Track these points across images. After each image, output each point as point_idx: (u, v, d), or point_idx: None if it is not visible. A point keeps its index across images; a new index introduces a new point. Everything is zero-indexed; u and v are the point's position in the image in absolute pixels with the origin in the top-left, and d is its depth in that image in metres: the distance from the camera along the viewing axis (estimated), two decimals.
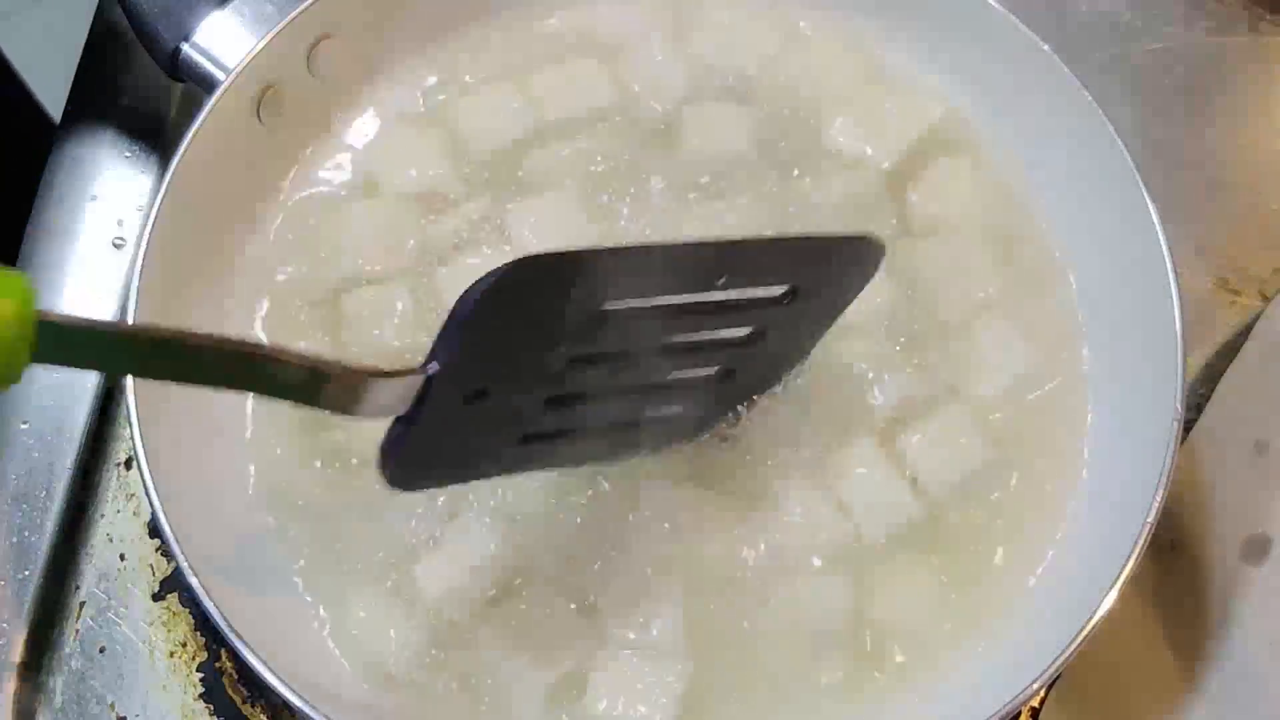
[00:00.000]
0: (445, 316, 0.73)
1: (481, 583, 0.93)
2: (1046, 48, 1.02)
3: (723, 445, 0.97)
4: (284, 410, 0.98)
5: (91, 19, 1.21)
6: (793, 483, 0.95)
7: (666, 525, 0.94)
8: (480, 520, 0.94)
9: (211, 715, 1.00)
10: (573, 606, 0.92)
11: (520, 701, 0.90)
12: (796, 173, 1.06)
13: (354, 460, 0.97)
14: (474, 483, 0.93)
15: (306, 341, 1.01)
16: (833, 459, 0.96)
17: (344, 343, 1.01)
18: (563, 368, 0.79)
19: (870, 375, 0.99)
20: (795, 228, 1.04)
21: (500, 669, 0.91)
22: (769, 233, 1.02)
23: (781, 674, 0.92)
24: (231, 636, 0.83)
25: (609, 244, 0.99)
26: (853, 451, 0.96)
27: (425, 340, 0.94)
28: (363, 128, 1.10)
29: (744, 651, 0.92)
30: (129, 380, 0.90)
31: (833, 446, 0.96)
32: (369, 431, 0.77)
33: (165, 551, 1.05)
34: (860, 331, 1.00)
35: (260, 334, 1.02)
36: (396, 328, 1.01)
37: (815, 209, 1.04)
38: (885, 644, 0.93)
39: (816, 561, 0.94)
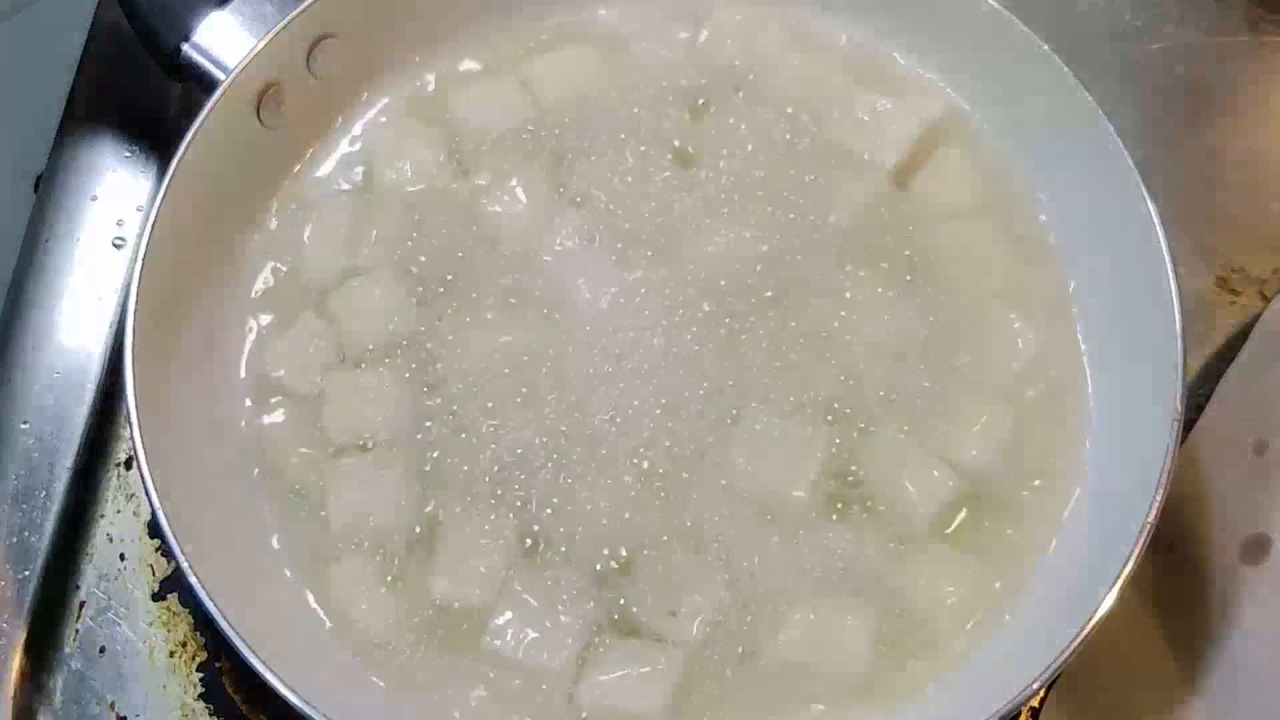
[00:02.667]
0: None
1: (492, 576, 0.93)
2: (1046, 47, 1.02)
3: None
4: (283, 409, 0.99)
5: (91, 19, 1.21)
6: None
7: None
8: (489, 509, 0.95)
9: (211, 715, 1.01)
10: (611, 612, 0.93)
11: (531, 689, 0.91)
12: (809, 176, 1.07)
13: (358, 454, 0.97)
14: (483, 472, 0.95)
15: (304, 335, 1.01)
16: None
17: (347, 331, 1.01)
18: None
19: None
20: (799, 224, 1.05)
21: (513, 661, 0.91)
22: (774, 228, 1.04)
23: (783, 670, 0.92)
24: (232, 635, 0.83)
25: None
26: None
27: (421, 327, 0.96)
28: (361, 126, 1.10)
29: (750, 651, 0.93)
30: (129, 380, 0.90)
31: None
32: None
33: (165, 551, 1.05)
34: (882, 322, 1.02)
35: (258, 330, 1.02)
36: (391, 315, 1.01)
37: (824, 208, 1.05)
38: (894, 646, 0.93)
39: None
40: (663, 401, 0.98)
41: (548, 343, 1.00)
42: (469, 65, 1.13)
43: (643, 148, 1.07)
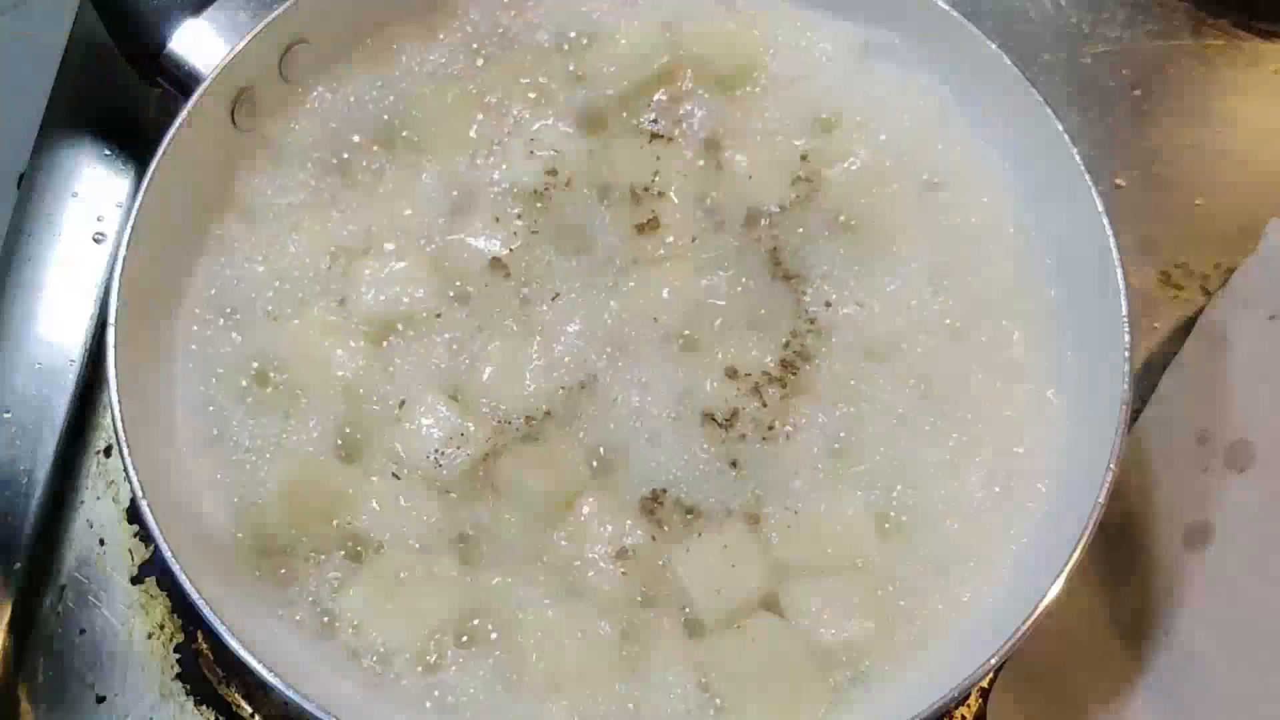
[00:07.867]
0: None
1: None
2: (995, 47, 1.04)
3: None
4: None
5: (71, 25, 1.23)
6: None
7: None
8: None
9: (187, 694, 1.03)
10: None
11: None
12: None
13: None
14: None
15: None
16: None
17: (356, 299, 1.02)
18: None
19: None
20: None
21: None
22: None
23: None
24: (210, 616, 0.84)
25: None
26: None
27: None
28: (334, 124, 1.08)
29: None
30: (110, 369, 0.91)
31: None
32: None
33: (144, 536, 1.07)
34: None
35: (237, 319, 1.02)
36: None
37: None
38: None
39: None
40: None
41: None
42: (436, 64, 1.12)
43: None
